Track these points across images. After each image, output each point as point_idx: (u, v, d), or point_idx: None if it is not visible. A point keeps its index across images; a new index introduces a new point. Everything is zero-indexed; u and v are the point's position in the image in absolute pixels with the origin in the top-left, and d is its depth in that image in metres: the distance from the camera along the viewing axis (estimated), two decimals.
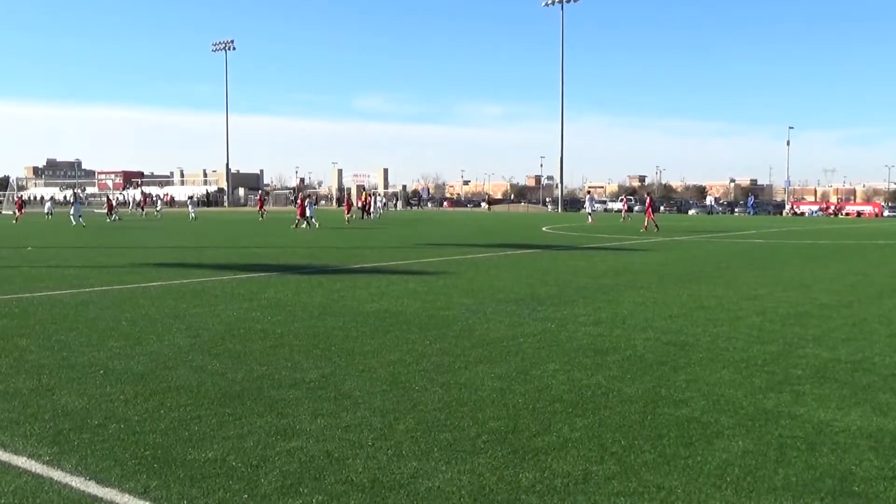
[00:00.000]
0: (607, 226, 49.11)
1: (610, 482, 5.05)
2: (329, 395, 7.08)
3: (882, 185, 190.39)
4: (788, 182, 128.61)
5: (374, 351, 9.00)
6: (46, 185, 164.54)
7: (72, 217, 47.28)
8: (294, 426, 6.14)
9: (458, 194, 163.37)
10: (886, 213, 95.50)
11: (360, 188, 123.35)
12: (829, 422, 6.38)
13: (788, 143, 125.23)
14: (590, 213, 57.64)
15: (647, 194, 57.92)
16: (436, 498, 4.79)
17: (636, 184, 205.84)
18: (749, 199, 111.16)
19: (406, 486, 4.95)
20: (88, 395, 7.02)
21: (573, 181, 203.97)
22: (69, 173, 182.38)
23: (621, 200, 78.63)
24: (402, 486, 4.96)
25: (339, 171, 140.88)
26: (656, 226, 42.15)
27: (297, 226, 42.33)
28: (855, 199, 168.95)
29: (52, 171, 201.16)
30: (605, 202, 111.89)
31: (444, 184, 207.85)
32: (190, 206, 61.48)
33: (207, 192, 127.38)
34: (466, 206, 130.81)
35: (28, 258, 22.03)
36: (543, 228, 45.19)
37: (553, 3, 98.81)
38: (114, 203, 61.05)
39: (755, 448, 5.72)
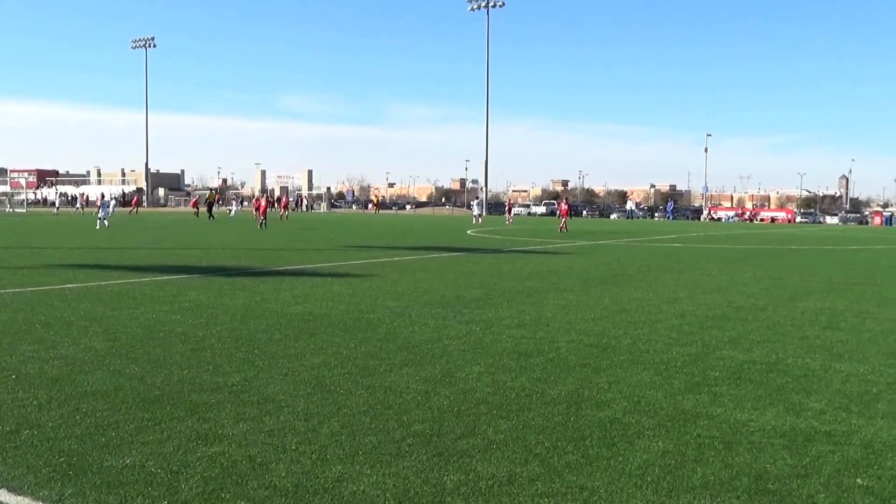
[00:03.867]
0: (500, 229, 49.62)
1: (534, 483, 5.09)
2: (252, 398, 6.98)
3: (795, 192, 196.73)
4: (706, 188, 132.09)
5: (297, 354, 8.91)
6: None
7: None
8: (216, 431, 6.03)
9: (383, 197, 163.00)
10: (798, 219, 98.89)
11: (283, 189, 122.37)
12: (745, 422, 6.55)
13: (706, 150, 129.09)
14: (477, 215, 66.66)
15: (565, 198, 59.97)
16: (360, 502, 4.76)
17: (559, 188, 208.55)
18: (668, 204, 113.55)
19: (330, 490, 4.91)
20: None
21: (498, 185, 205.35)
22: None
23: (507, 204, 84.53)
24: (326, 490, 4.92)
25: (263, 172, 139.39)
26: (563, 228, 44.73)
27: (263, 225, 44.21)
28: (769, 206, 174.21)
29: None
30: (528, 206, 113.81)
31: (368, 186, 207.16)
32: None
33: (124, 192, 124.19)
34: (390, 207, 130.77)
35: None
36: (468, 231, 45.41)
37: (479, 7, 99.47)
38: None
39: (674, 448, 5.85)
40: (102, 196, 65.51)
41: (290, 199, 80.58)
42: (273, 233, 39.48)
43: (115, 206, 50.04)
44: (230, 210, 71.03)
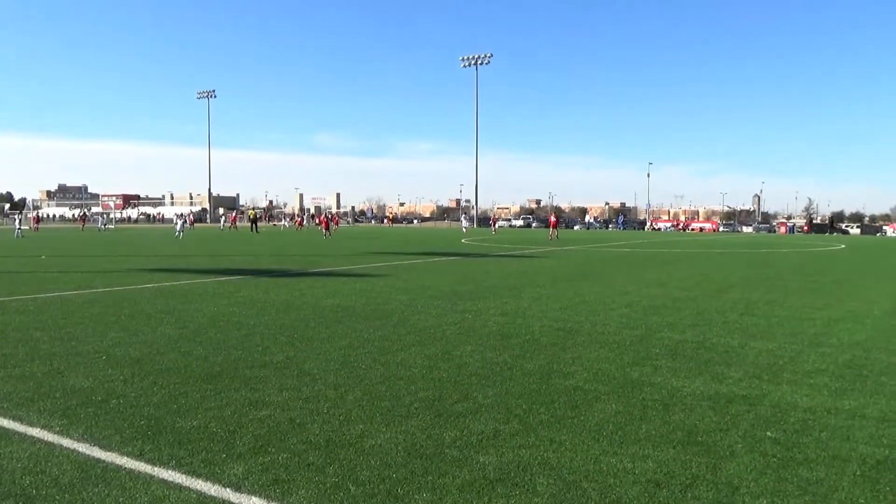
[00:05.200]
0: (487, 238, 49.57)
1: (514, 437, 5.09)
2: (292, 373, 6.97)
3: (718, 208, 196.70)
4: (649, 205, 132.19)
5: (328, 337, 8.89)
6: (58, 205, 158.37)
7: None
8: (264, 398, 6.02)
9: (396, 213, 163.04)
10: (721, 228, 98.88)
11: (318, 208, 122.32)
12: (680, 388, 6.55)
13: (649, 175, 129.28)
14: (466, 227, 71.54)
15: (553, 213, 60.53)
16: (378, 453, 4.75)
17: (534, 205, 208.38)
18: (619, 217, 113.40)
19: (354, 445, 4.90)
20: (93, 376, 6.77)
21: (485, 203, 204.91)
22: (77, 196, 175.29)
23: (492, 218, 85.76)
24: (351, 444, 4.92)
25: (301, 195, 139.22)
26: (555, 236, 46.15)
27: (326, 236, 47.51)
28: (698, 218, 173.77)
29: (62, 193, 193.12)
30: (509, 220, 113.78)
31: (384, 205, 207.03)
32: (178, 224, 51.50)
33: (192, 211, 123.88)
34: (401, 222, 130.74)
35: (42, 265, 21.14)
36: (462, 240, 45.33)
37: (469, 65, 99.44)
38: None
39: (624, 409, 5.84)
40: (181, 215, 65.71)
41: (327, 216, 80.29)
42: (322, 242, 39.42)
43: (183, 223, 50.13)
44: (278, 224, 71.32)
